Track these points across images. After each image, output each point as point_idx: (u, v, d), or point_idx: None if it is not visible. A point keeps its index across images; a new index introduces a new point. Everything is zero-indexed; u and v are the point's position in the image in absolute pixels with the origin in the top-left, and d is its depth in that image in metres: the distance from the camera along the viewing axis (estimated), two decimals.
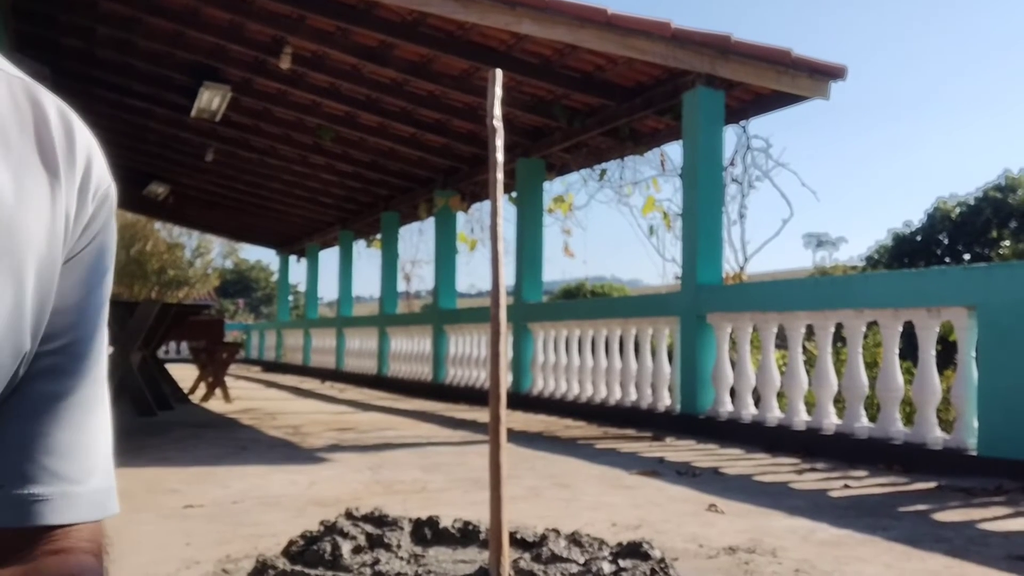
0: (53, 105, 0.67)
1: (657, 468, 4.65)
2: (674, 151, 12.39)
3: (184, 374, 11.20)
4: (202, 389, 9.72)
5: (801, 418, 5.68)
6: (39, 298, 0.63)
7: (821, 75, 6.88)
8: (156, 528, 3.02)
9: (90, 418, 0.67)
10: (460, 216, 11.70)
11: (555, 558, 2.38)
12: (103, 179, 0.69)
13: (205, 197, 16.11)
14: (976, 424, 4.61)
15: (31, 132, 0.64)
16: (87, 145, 0.68)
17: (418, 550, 2.52)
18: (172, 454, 5.06)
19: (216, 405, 8.93)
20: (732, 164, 7.79)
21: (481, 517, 2.63)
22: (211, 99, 9.60)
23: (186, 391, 9.50)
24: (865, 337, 5.53)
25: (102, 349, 0.70)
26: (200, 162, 12.79)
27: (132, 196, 14.71)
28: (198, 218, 19.56)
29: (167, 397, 8.20)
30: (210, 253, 39.47)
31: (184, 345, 21.83)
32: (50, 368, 0.65)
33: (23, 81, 0.67)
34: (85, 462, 0.65)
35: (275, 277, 32.29)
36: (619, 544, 2.52)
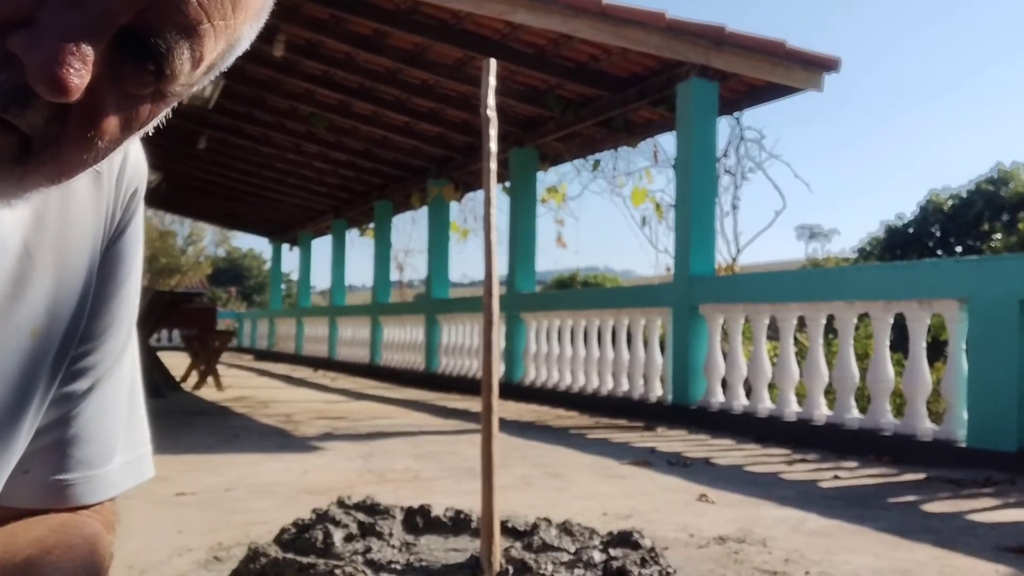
0: None
1: (648, 458, 4.67)
2: (668, 142, 12.36)
3: (176, 362, 11.19)
4: (194, 377, 9.71)
5: (792, 409, 5.71)
6: (90, 300, 0.64)
7: (815, 66, 6.89)
8: (148, 515, 3.01)
9: (116, 405, 0.70)
10: (453, 205, 11.69)
11: (546, 547, 2.39)
12: (137, 172, 0.69)
13: (197, 185, 16.04)
14: (966, 416, 4.64)
15: None
16: None
17: (410, 538, 2.53)
18: (164, 442, 4.99)
19: (208, 393, 8.92)
20: (725, 155, 7.81)
21: (473, 506, 2.64)
22: (203, 86, 9.55)
23: (178, 379, 9.48)
24: (856, 329, 5.55)
25: (131, 340, 0.71)
26: (193, 149, 12.72)
27: None
28: (190, 206, 19.49)
29: (159, 385, 8.18)
30: (202, 241, 39.47)
31: (176, 333, 21.82)
32: (82, 368, 0.67)
33: None
34: (108, 445, 0.70)
35: (268, 265, 32.18)
36: (610, 533, 2.53)
